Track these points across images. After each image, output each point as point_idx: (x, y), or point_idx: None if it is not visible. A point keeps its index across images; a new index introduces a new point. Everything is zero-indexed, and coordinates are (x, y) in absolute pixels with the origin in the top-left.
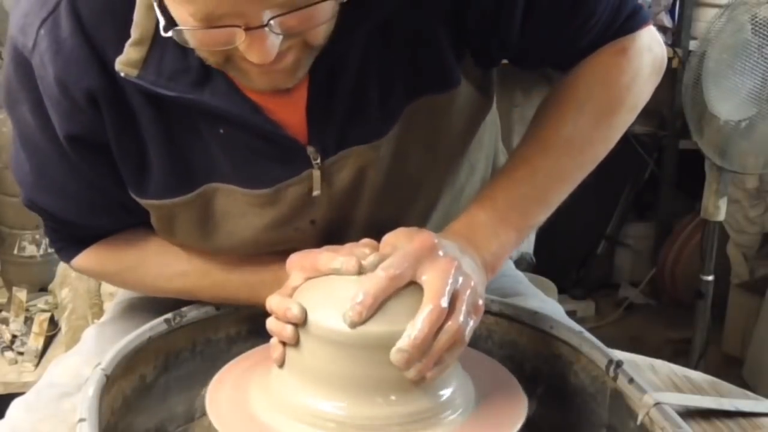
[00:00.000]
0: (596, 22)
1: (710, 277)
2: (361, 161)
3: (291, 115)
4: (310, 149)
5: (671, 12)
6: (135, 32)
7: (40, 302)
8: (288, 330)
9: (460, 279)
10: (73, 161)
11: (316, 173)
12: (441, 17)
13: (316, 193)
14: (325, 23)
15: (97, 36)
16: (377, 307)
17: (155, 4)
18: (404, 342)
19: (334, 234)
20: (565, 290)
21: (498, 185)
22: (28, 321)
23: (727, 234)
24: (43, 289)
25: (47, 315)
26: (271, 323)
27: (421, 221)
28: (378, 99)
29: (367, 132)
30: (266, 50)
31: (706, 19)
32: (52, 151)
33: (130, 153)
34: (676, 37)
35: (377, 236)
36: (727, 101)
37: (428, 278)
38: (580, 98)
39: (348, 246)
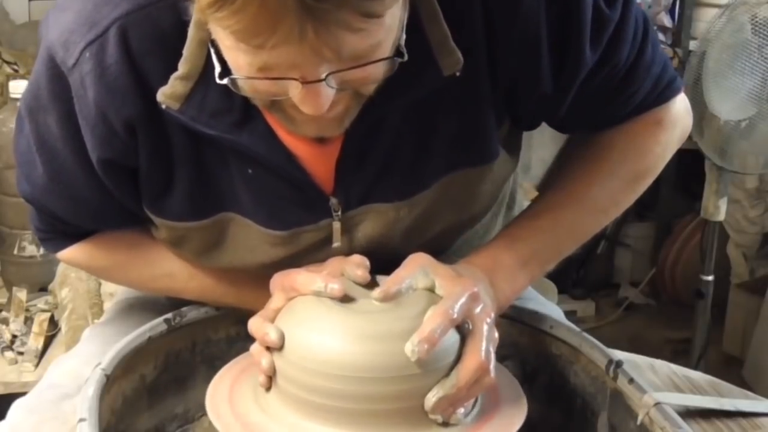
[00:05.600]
0: (639, 94)
1: (710, 277)
2: (381, 219)
3: (321, 165)
4: (333, 201)
5: (671, 12)
6: (183, 67)
7: (40, 302)
8: (264, 362)
9: (494, 332)
10: (95, 175)
11: (336, 224)
12: (492, 101)
13: (336, 244)
14: (380, 79)
15: (143, 65)
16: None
17: (212, 51)
18: (448, 390)
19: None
20: (565, 290)
21: (523, 229)
22: (28, 321)
23: (727, 234)
24: (43, 289)
25: (47, 315)
26: (253, 349)
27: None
28: (410, 165)
29: (392, 193)
30: (320, 103)
31: (706, 19)
32: (73, 162)
33: (157, 175)
34: (676, 37)
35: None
36: (727, 101)
37: (474, 330)
38: (614, 163)
39: (336, 261)
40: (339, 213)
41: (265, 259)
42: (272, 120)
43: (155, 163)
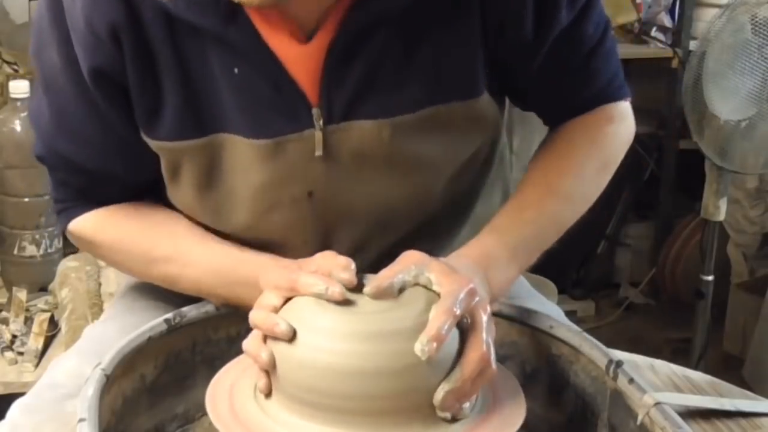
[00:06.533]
0: (597, 81)
1: (710, 277)
2: (365, 136)
3: (307, 72)
4: (316, 110)
5: (671, 12)
6: None
7: (40, 302)
8: (263, 356)
9: (492, 325)
10: (93, 100)
11: (318, 134)
12: (480, 39)
13: (318, 153)
14: None
15: None
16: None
17: None
18: (454, 384)
19: (330, 217)
20: (565, 290)
21: (510, 222)
22: (28, 321)
23: (727, 234)
24: (43, 289)
25: (47, 315)
26: (248, 345)
27: (430, 231)
28: (395, 84)
29: (376, 109)
30: None
31: (706, 19)
32: (73, 92)
33: (146, 91)
34: (676, 37)
35: (375, 228)
36: (727, 101)
37: (474, 324)
38: (580, 156)
39: (325, 259)
40: (321, 123)
41: (257, 181)
42: (255, 18)
43: (143, 78)
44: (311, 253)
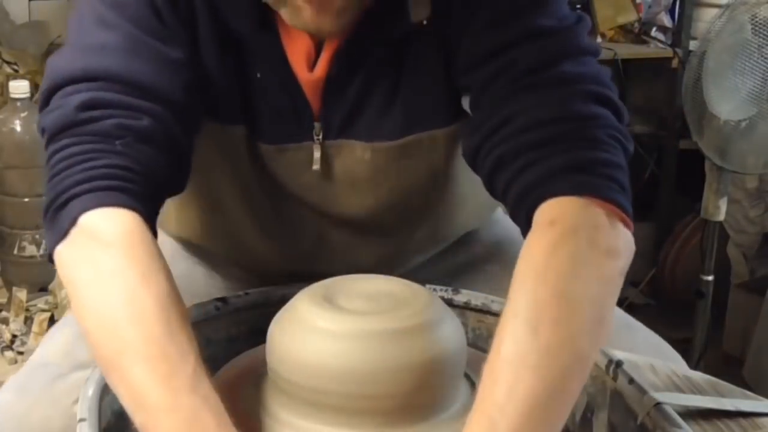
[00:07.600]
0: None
1: (710, 277)
2: (353, 156)
3: (312, 92)
4: (317, 125)
5: (671, 12)
6: None
7: (40, 302)
8: None
9: None
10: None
11: (317, 147)
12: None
13: (315, 167)
14: None
15: None
16: None
17: None
18: None
19: (321, 218)
20: None
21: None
22: (28, 321)
23: (727, 234)
24: (43, 289)
25: (47, 315)
26: None
27: (408, 233)
28: (383, 110)
29: (362, 133)
30: None
31: (706, 19)
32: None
33: (191, 65)
34: (676, 37)
35: (366, 233)
36: (727, 101)
37: None
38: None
39: None
40: (320, 137)
41: (254, 179)
42: (281, 24)
43: (188, 52)
44: (308, 247)
